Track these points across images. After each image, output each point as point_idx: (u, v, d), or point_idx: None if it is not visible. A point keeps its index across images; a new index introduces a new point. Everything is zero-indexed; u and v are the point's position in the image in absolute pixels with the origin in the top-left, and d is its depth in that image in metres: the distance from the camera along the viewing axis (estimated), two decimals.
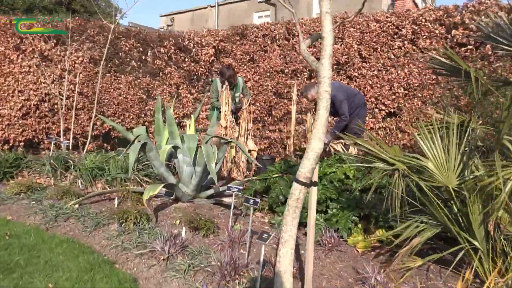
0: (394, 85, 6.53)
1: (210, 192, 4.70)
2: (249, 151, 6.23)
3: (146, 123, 8.02)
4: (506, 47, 2.89)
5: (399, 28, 6.57)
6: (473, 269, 2.61)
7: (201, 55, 8.36)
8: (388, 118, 6.70)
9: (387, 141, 6.64)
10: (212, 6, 20.74)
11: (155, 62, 8.24)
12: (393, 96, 6.57)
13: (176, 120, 7.83)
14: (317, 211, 3.75)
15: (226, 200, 4.37)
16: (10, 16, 7.13)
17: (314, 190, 2.51)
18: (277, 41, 7.72)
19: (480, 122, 3.06)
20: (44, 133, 6.99)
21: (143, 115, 8.08)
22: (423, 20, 6.37)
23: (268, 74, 7.72)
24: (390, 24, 6.62)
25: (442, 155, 2.69)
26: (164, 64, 8.30)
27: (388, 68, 6.63)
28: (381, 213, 3.55)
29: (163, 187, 4.09)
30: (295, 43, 7.49)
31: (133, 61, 8.00)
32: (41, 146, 7.02)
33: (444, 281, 2.86)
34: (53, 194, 4.50)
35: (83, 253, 3.21)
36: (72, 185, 4.94)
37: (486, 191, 2.50)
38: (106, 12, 19.70)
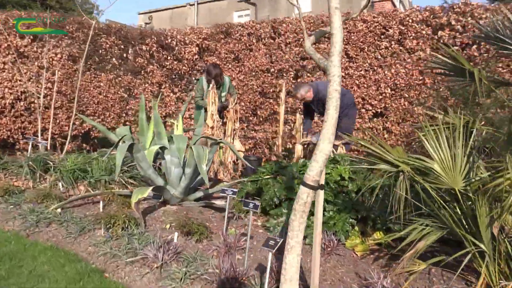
0: (381, 85, 6.51)
1: (199, 194, 4.54)
2: (232, 151, 6.09)
3: (127, 123, 7.77)
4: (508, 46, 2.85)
5: (386, 28, 6.55)
6: (483, 274, 2.55)
7: (184, 53, 8.16)
8: (375, 119, 6.69)
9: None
10: (191, 5, 20.47)
11: (137, 60, 8.00)
12: (380, 97, 6.56)
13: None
14: (313, 213, 3.65)
15: (217, 203, 4.23)
16: None
17: (321, 194, 2.40)
18: (263, 40, 7.60)
19: (483, 123, 3.02)
20: (20, 133, 6.68)
21: (124, 115, 7.82)
22: (410, 20, 6.37)
23: (254, 74, 7.60)
24: (377, 24, 6.60)
25: (448, 157, 2.63)
26: (146, 62, 8.07)
27: (375, 68, 6.61)
28: (379, 215, 3.48)
29: (152, 189, 3.90)
30: (280, 42, 7.40)
31: (113, 59, 7.74)
32: (17, 147, 6.70)
33: (449, 285, 2.80)
34: (32, 197, 4.26)
35: (70, 262, 3.01)
36: (52, 188, 4.70)
37: (493, 193, 2.45)
38: (83, 8, 19.15)
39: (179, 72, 8.24)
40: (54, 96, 6.47)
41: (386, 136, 6.52)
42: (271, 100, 7.48)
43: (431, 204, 2.70)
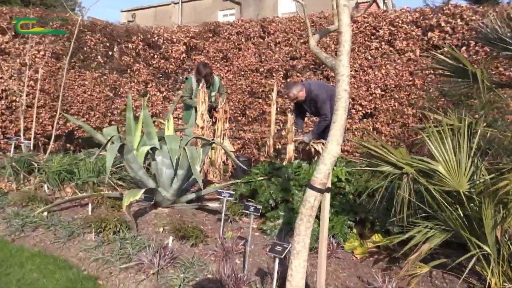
0: (371, 86, 6.50)
1: (191, 196, 4.43)
2: (225, 152, 5.99)
3: (113, 122, 7.57)
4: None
5: (376, 29, 6.55)
6: (489, 276, 2.52)
7: (172, 52, 8.01)
8: (365, 119, 6.68)
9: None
10: (175, 3, 20.19)
11: (123, 58, 7.81)
12: (370, 97, 6.55)
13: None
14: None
15: (211, 205, 4.12)
16: None
17: (327, 197, 2.33)
18: (252, 39, 7.51)
19: (485, 124, 3.00)
20: (0, 133, 6.42)
21: (109, 114, 7.63)
22: (400, 21, 6.38)
23: (243, 73, 7.50)
24: (368, 24, 6.59)
25: (453, 158, 2.59)
26: (132, 60, 7.88)
27: (365, 68, 6.60)
28: (377, 217, 3.44)
29: (144, 192, 3.77)
30: (270, 42, 7.32)
31: (99, 57, 7.54)
32: None
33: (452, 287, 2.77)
34: (17, 200, 4.07)
35: (60, 268, 2.87)
36: (37, 190, 4.51)
37: (498, 195, 2.42)
38: (65, 5, 18.67)
39: (166, 71, 8.08)
40: (37, 94, 6.24)
41: (376, 136, 6.50)
42: (260, 100, 7.40)
43: (436, 206, 2.66)
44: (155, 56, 8.01)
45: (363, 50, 6.64)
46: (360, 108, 6.62)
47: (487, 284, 2.59)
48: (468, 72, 2.87)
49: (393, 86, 6.37)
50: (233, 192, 3.48)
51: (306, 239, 2.19)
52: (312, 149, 5.47)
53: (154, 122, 7.35)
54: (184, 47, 8.00)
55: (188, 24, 8.80)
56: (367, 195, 3.75)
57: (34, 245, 3.34)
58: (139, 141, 5.21)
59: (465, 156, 2.59)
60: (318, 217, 3.60)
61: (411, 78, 6.27)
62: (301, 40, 7.07)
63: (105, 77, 7.55)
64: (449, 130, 2.81)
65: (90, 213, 3.93)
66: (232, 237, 3.35)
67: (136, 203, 4.21)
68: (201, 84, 5.73)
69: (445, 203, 2.60)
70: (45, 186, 4.53)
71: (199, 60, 7.79)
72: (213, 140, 4.78)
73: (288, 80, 7.16)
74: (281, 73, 7.21)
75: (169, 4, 20.40)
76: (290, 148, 5.56)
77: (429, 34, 6.21)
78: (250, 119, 7.52)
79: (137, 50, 7.92)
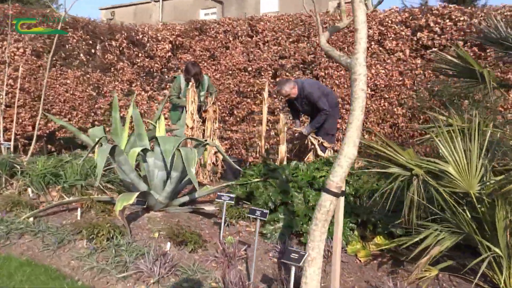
0: None
1: (184, 199, 4.28)
2: (215, 153, 5.87)
3: (96, 123, 7.33)
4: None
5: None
6: (503, 279, 2.48)
7: (157, 50, 7.81)
8: None
9: None
10: (156, 1, 19.89)
11: (106, 56, 7.57)
12: None
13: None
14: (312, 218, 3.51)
15: (207, 208, 3.99)
16: None
17: (341, 200, 2.24)
18: (240, 38, 7.40)
19: (491, 124, 2.97)
20: None
21: (92, 114, 7.38)
22: (389, 21, 6.38)
23: (230, 72, 7.37)
24: None
25: (464, 160, 2.55)
26: (115, 58, 7.65)
27: None
28: (380, 219, 3.38)
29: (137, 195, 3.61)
30: (258, 40, 7.22)
31: (81, 55, 7.28)
32: None
33: None
34: (0, 205, 3.84)
35: (52, 279, 2.69)
36: (21, 194, 4.28)
37: (509, 197, 2.38)
38: (41, 2, 18.10)
39: (151, 69, 7.88)
40: (17, 93, 5.96)
41: (366, 136, 6.48)
42: (249, 100, 7.29)
43: (447, 208, 2.61)
44: (140, 54, 7.80)
45: (352, 50, 6.58)
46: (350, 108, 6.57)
47: (497, 286, 2.55)
48: (474, 72, 2.83)
49: (383, 86, 6.36)
50: (233, 195, 3.36)
51: (321, 245, 2.10)
52: (309, 143, 5.41)
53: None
54: (170, 45, 7.81)
55: (169, 22, 8.62)
56: (367, 197, 3.70)
57: (22, 254, 3.15)
58: (127, 142, 5.03)
59: (475, 156, 2.55)
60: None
61: (401, 78, 6.27)
62: (290, 39, 7.00)
63: (88, 75, 7.30)
64: (458, 130, 2.76)
65: (79, 218, 3.74)
66: (232, 242, 3.22)
67: (127, 206, 4.04)
68: (190, 83, 5.58)
69: (455, 205, 2.55)
70: (29, 190, 4.31)
71: (185, 59, 7.62)
72: (205, 140, 4.65)
73: (277, 79, 7.07)
74: (270, 72, 7.11)
75: (149, 2, 20.08)
76: (282, 148, 5.48)
77: (418, 34, 6.23)
78: (238, 119, 7.40)
79: (120, 48, 7.70)
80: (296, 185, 3.76)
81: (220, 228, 3.70)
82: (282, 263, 2.99)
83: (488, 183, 2.53)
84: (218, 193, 3.40)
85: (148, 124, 6.39)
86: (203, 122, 5.89)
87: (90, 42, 7.42)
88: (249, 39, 7.32)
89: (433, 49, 6.17)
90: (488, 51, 5.76)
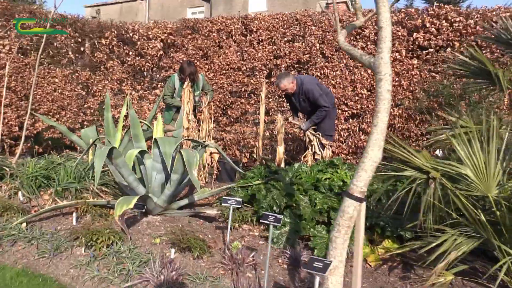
0: (357, 86, 6.43)
1: (183, 202, 4.15)
2: (210, 153, 5.74)
3: (85, 123, 7.12)
4: None
5: (362, 28, 6.47)
6: None
7: (148, 48, 7.61)
8: (351, 119, 6.59)
9: (349, 143, 6.54)
10: None
11: (95, 54, 7.35)
12: (356, 97, 6.47)
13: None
14: (319, 222, 3.42)
15: (208, 211, 3.86)
16: None
17: (363, 206, 2.14)
18: (233, 37, 7.26)
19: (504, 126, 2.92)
20: None
21: (82, 114, 7.16)
22: None
23: (224, 72, 7.24)
24: None
25: (482, 162, 2.48)
26: (105, 57, 7.44)
27: (351, 68, 6.52)
28: (388, 222, 3.31)
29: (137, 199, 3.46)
30: (253, 40, 7.10)
31: (70, 53, 7.06)
32: None
33: None
34: None
35: None
36: (11, 198, 4.08)
37: None
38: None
39: (142, 68, 7.68)
40: (4, 92, 5.73)
41: (362, 137, 6.44)
42: (243, 100, 7.17)
43: (464, 212, 2.54)
44: (130, 53, 7.60)
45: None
46: (346, 109, 6.53)
47: None
48: (488, 73, 2.77)
49: None
50: (240, 199, 3.24)
51: (343, 253, 2.00)
52: (307, 139, 5.33)
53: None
54: (161, 44, 7.63)
55: (161, 20, 8.43)
56: (375, 200, 3.62)
57: (16, 262, 2.98)
58: (120, 143, 4.87)
59: (493, 159, 2.49)
60: (324, 222, 3.45)
61: (397, 79, 6.24)
62: (285, 39, 6.90)
63: (76, 74, 7.08)
64: (472, 132, 2.70)
65: (75, 223, 3.58)
66: (238, 248, 3.10)
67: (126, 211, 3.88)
68: (186, 83, 5.43)
69: (474, 209, 2.48)
70: (20, 193, 4.11)
71: (177, 58, 7.46)
72: (204, 141, 4.51)
73: (272, 79, 6.98)
74: (265, 72, 7.01)
75: (135, 0, 19.76)
76: (280, 150, 5.39)
77: (415, 34, 6.20)
78: (232, 119, 7.27)
79: (110, 47, 7.49)
80: (301, 187, 3.66)
81: (223, 232, 3.60)
82: (293, 270, 2.90)
83: (506, 186, 2.47)
84: (224, 197, 3.27)
85: (141, 125, 6.22)
86: (198, 122, 5.76)
87: (79, 39, 7.21)
88: (243, 38, 7.19)
89: (430, 50, 6.16)
90: (485, 52, 5.78)
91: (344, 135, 6.59)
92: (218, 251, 3.15)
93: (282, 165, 5.34)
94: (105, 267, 2.83)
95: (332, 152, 6.60)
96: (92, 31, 7.39)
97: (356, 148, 6.51)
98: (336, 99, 6.52)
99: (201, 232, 3.56)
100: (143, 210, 3.78)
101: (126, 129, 5.28)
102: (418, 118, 6.14)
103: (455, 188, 2.52)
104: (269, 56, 6.95)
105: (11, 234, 3.30)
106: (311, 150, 5.30)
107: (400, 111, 6.21)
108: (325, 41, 6.64)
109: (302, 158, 5.44)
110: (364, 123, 6.44)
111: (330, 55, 6.63)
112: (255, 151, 5.77)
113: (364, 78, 6.38)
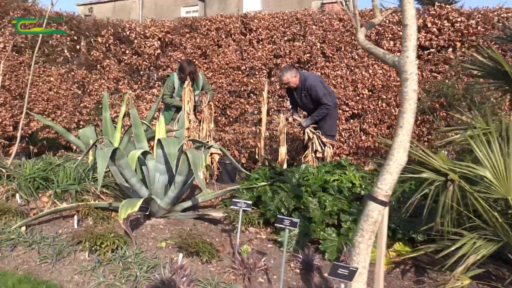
0: (358, 86, 6.37)
1: (187, 204, 4.05)
2: (211, 154, 5.64)
3: (81, 122, 6.97)
4: None
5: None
6: None
7: (145, 47, 7.47)
8: (352, 120, 6.54)
9: (350, 143, 6.48)
10: None
11: (92, 53, 7.21)
12: (357, 97, 6.41)
13: (118, 120, 6.91)
14: (328, 225, 3.35)
15: (214, 214, 3.76)
16: None
17: (386, 210, 2.07)
18: (233, 36, 7.16)
19: None
20: None
21: (77, 113, 7.01)
22: (387, 21, 6.30)
23: (223, 71, 7.14)
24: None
25: (502, 164, 2.43)
26: (101, 55, 7.29)
27: (352, 68, 6.46)
28: (399, 224, 3.24)
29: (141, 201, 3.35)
30: (252, 39, 7.01)
31: (65, 51, 6.90)
32: None
33: None
34: None
35: None
36: (8, 201, 3.94)
37: None
38: None
39: (139, 67, 7.55)
40: None
41: (363, 137, 6.39)
42: (242, 100, 7.07)
43: (484, 214, 2.48)
44: (127, 51, 7.46)
45: (349, 49, 6.50)
46: (347, 109, 6.47)
47: None
48: (504, 73, 2.72)
49: (381, 86, 6.27)
50: (250, 202, 3.15)
51: (367, 259, 1.93)
52: (306, 137, 5.25)
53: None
54: (159, 42, 7.50)
55: (158, 19, 8.29)
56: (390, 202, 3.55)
57: (17, 268, 2.85)
58: (119, 144, 4.75)
59: None
60: (334, 225, 3.37)
61: (398, 79, 6.17)
62: (285, 38, 6.82)
63: (72, 73, 6.94)
64: (491, 132, 2.64)
65: (76, 226, 3.47)
66: (248, 252, 3.01)
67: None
68: (186, 82, 5.33)
69: (493, 213, 2.42)
70: (17, 195, 3.97)
71: (175, 57, 7.34)
72: (207, 142, 4.42)
73: (272, 79, 6.91)
74: (265, 71, 6.92)
75: None
76: (283, 150, 5.31)
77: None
78: (231, 119, 7.18)
79: (107, 45, 7.34)
80: (309, 189, 3.58)
81: (230, 235, 3.52)
82: (306, 274, 2.82)
83: None
84: (233, 199, 3.18)
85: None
86: (199, 122, 5.66)
87: (75, 38, 7.05)
88: (243, 37, 7.10)
89: (431, 50, 6.13)
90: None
91: (345, 136, 6.53)
92: (226, 255, 3.07)
93: (285, 166, 5.26)
94: (111, 272, 2.72)
95: (334, 153, 6.56)
96: (88, 29, 7.24)
97: (357, 148, 6.45)
98: (337, 99, 6.47)
99: (208, 235, 3.47)
100: (147, 213, 3.67)
101: (125, 129, 5.17)
102: (419, 118, 6.09)
103: (473, 191, 2.46)
104: (269, 55, 6.87)
105: (10, 238, 3.18)
106: (312, 148, 5.22)
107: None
108: (326, 41, 6.58)
109: (302, 158, 5.37)
110: (365, 124, 6.39)
111: (331, 55, 6.56)
112: (256, 152, 5.68)
113: (365, 78, 6.33)
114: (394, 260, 3.18)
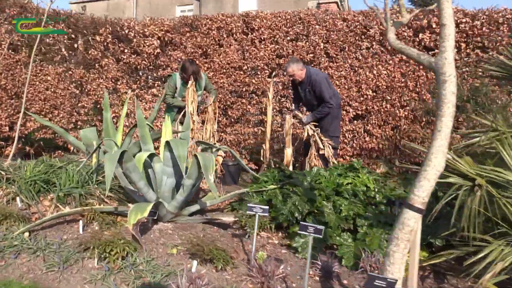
0: (362, 87, 6.30)
1: (195, 208, 3.93)
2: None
3: (79, 123, 6.81)
4: None
5: (367, 28, 6.36)
6: None
7: (144, 46, 7.33)
8: (355, 121, 6.46)
9: (354, 145, 6.41)
10: None
11: (90, 52, 7.05)
12: (361, 98, 6.34)
13: (114, 120, 6.77)
14: (344, 230, 3.25)
15: (225, 218, 3.65)
16: None
17: (419, 218, 1.98)
18: (234, 35, 7.06)
19: None
20: None
21: (75, 113, 6.86)
22: (391, 21, 6.22)
23: (224, 71, 7.02)
24: (358, 23, 6.39)
25: None
26: (100, 54, 7.14)
27: (356, 69, 6.39)
28: None
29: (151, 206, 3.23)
30: (254, 38, 6.91)
31: (63, 50, 6.75)
32: None
33: None
34: None
35: None
36: (9, 204, 3.79)
37: None
38: None
39: (138, 67, 7.41)
40: None
41: (367, 139, 6.32)
42: (244, 100, 6.97)
43: None
44: (126, 50, 7.31)
45: (353, 50, 6.42)
46: (351, 110, 6.39)
47: None
48: None
49: (385, 87, 6.21)
50: (267, 207, 3.04)
51: (402, 269, 1.84)
52: (305, 134, 5.15)
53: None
54: (158, 41, 7.36)
55: (157, 17, 8.14)
56: (394, 205, 3.48)
57: (22, 277, 2.71)
58: (121, 145, 4.62)
59: None
60: (349, 230, 3.28)
61: (403, 80, 6.13)
62: (288, 38, 6.74)
63: (70, 72, 6.78)
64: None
65: (81, 231, 3.33)
66: (264, 259, 2.90)
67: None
68: (190, 82, 5.22)
69: None
70: (18, 199, 3.82)
71: (175, 56, 7.22)
72: (215, 144, 4.31)
73: (275, 79, 6.80)
74: (267, 71, 6.82)
75: None
76: (288, 152, 5.23)
77: (420, 35, 6.12)
78: (232, 120, 7.07)
79: (105, 44, 7.20)
80: (323, 193, 3.49)
81: (242, 241, 3.41)
82: (325, 282, 2.72)
83: None
84: (248, 205, 3.06)
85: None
86: (202, 123, 5.55)
87: (72, 36, 6.90)
88: (244, 36, 7.00)
89: (435, 50, 6.07)
90: (491, 53, 5.72)
91: (348, 137, 6.46)
92: (241, 262, 2.96)
93: (290, 167, 5.17)
94: (123, 282, 2.60)
95: (337, 154, 6.49)
96: (85, 27, 7.10)
97: (361, 150, 6.39)
98: (341, 100, 6.39)
99: (219, 241, 3.35)
100: (155, 217, 3.55)
101: (126, 130, 5.04)
102: (424, 119, 6.04)
103: (501, 196, 2.39)
104: (271, 55, 6.77)
105: (13, 244, 3.03)
106: (315, 147, 5.09)
107: (406, 113, 6.11)
108: (330, 41, 6.50)
109: (306, 159, 5.27)
110: (369, 125, 6.32)
111: (334, 55, 6.48)
112: (262, 153, 5.57)
113: (369, 79, 6.26)
114: None
